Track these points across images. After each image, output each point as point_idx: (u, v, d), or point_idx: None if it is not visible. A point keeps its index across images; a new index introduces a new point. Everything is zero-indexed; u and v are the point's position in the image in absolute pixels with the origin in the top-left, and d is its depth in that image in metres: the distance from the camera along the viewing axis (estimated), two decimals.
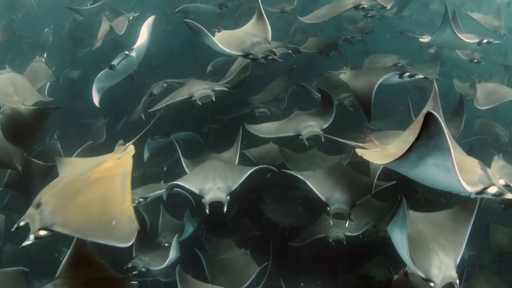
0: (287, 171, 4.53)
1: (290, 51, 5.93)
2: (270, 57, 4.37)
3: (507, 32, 7.54)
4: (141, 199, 4.54)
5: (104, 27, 6.88)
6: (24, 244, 2.78)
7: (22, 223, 2.91)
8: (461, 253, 3.32)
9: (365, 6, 5.57)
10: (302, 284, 5.09)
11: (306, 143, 4.84)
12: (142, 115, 6.31)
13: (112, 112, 7.65)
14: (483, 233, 5.77)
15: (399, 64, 6.49)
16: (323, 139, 4.77)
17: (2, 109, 4.91)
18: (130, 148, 3.60)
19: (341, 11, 5.72)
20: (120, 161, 3.36)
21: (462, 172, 2.80)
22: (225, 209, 3.83)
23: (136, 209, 4.57)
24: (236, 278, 4.65)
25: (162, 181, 5.26)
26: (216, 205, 3.85)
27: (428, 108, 4.18)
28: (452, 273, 3.12)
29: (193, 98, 5.10)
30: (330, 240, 4.78)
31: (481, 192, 3.02)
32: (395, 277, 3.84)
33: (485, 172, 3.10)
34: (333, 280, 5.11)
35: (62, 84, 8.21)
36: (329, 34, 8.16)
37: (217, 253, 5.11)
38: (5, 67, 5.36)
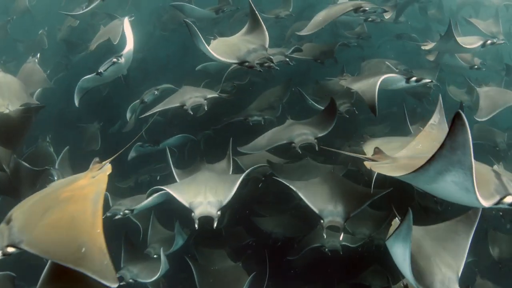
0: (279, 178, 4.40)
1: (287, 59, 5.75)
2: (266, 64, 4.29)
3: (505, 37, 7.48)
4: (127, 211, 4.46)
5: (100, 35, 6.77)
6: None
7: None
8: (463, 265, 3.27)
9: (367, 8, 5.44)
10: None
11: (299, 151, 4.73)
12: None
13: (106, 117, 7.61)
14: (482, 239, 5.66)
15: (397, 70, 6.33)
16: (317, 148, 4.68)
17: None
18: (107, 167, 3.37)
19: (340, 14, 5.56)
20: (95, 179, 3.14)
21: (478, 185, 2.64)
22: (214, 225, 3.74)
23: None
24: None
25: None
26: (206, 217, 3.76)
27: (435, 119, 4.12)
28: (455, 287, 3.09)
29: (184, 107, 5.01)
30: (326, 250, 4.70)
31: (497, 203, 2.92)
32: (393, 287, 3.76)
33: (501, 181, 2.99)
34: None
35: (55, 88, 8.15)
36: (324, 40, 8.08)
37: (209, 264, 5.02)
38: None
